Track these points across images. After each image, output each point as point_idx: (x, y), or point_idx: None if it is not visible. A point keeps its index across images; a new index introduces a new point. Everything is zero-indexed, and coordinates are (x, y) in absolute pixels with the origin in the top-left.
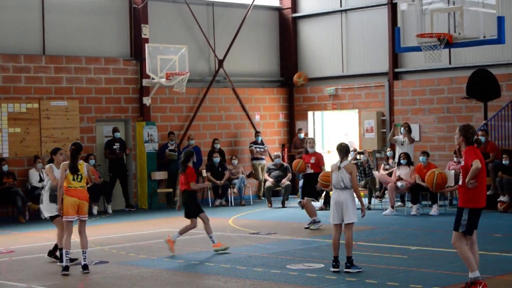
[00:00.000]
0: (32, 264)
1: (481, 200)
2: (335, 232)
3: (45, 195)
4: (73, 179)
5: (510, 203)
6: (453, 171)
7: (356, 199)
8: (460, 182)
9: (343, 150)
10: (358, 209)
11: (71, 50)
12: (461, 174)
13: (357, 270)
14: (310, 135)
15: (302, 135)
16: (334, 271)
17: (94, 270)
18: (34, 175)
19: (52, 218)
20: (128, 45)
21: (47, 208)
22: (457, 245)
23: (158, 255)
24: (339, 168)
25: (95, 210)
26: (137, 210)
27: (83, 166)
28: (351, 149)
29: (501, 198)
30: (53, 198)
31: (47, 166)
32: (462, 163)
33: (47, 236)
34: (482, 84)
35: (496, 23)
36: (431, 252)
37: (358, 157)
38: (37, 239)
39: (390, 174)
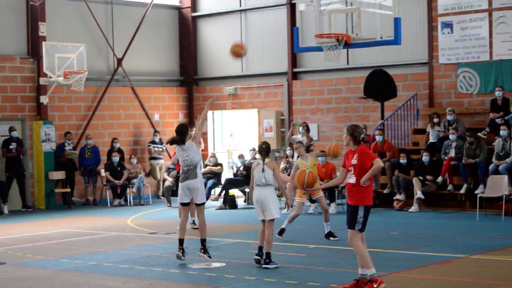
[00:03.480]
0: None
1: (372, 198)
2: (263, 227)
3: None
4: None
5: (406, 201)
6: None
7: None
8: (353, 181)
9: (263, 150)
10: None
11: None
12: (353, 173)
13: (274, 266)
14: (210, 135)
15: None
16: (256, 259)
17: None
18: None
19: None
20: (25, 43)
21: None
22: (353, 243)
23: (56, 256)
24: (260, 166)
25: (5, 210)
26: (34, 210)
27: None
28: (250, 148)
29: (397, 196)
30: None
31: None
32: (354, 162)
33: None
34: (379, 84)
35: (392, 24)
36: (328, 250)
37: (257, 156)
38: None
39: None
